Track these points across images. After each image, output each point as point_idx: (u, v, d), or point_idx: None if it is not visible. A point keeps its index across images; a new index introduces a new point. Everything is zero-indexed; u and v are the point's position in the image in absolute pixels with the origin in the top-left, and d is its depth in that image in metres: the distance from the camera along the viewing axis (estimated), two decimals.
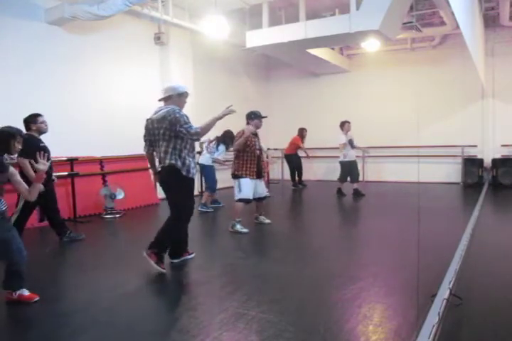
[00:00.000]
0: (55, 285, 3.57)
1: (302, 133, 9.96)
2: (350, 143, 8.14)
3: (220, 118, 3.83)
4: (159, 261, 3.67)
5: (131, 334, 2.53)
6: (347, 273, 3.62)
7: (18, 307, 2.94)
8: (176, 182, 3.75)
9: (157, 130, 3.74)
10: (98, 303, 3.02)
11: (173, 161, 3.69)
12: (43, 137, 4.78)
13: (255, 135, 5.41)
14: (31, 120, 4.65)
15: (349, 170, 8.20)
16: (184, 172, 3.69)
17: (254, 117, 5.31)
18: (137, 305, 2.99)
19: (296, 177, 9.94)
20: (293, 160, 9.88)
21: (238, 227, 5.25)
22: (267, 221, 5.72)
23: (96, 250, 4.73)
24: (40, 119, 4.67)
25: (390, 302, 2.95)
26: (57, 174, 6.02)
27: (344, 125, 8.13)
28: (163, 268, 3.67)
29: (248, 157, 5.26)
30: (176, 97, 3.83)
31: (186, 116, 3.72)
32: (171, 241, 3.86)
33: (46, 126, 4.74)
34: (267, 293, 3.14)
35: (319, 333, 2.44)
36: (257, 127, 5.35)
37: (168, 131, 3.68)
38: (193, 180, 3.83)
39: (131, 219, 6.43)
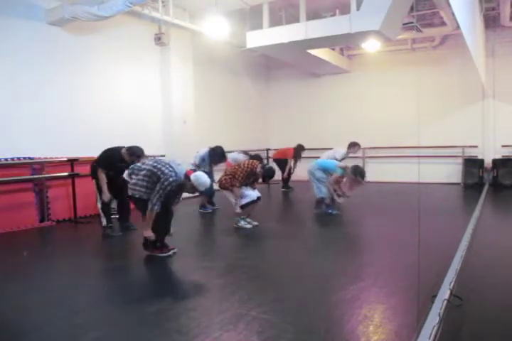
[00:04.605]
0: (54, 286, 3.56)
1: (299, 152, 9.29)
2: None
3: None
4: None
5: (131, 335, 2.53)
6: (347, 273, 3.62)
7: (17, 311, 2.95)
8: None
9: None
10: (98, 304, 3.02)
11: None
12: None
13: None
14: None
15: None
16: None
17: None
18: (137, 305, 2.99)
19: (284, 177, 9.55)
20: (282, 163, 9.43)
21: (242, 223, 5.41)
22: (254, 223, 5.55)
23: (96, 250, 4.72)
24: None
25: (390, 303, 2.95)
26: (58, 174, 6.06)
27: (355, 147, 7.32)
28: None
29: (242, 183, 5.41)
30: None
31: None
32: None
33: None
34: (268, 293, 3.14)
35: (320, 334, 2.44)
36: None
37: None
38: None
39: (131, 220, 6.40)
